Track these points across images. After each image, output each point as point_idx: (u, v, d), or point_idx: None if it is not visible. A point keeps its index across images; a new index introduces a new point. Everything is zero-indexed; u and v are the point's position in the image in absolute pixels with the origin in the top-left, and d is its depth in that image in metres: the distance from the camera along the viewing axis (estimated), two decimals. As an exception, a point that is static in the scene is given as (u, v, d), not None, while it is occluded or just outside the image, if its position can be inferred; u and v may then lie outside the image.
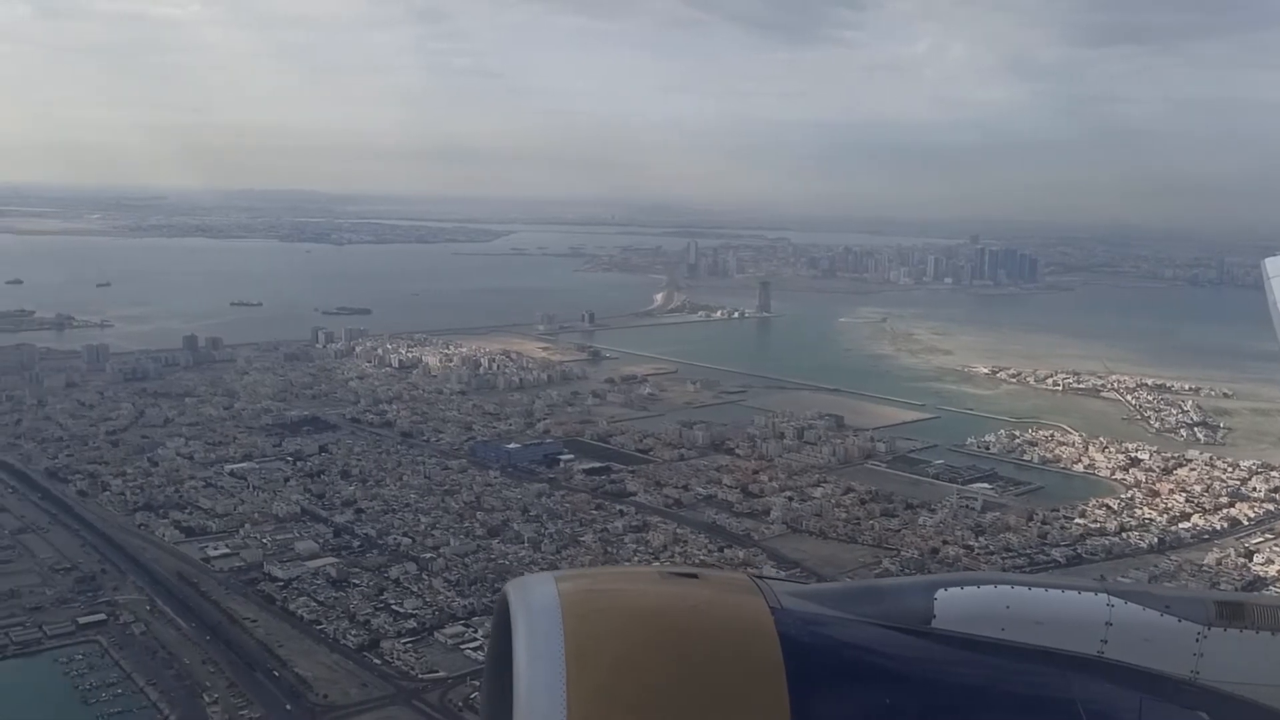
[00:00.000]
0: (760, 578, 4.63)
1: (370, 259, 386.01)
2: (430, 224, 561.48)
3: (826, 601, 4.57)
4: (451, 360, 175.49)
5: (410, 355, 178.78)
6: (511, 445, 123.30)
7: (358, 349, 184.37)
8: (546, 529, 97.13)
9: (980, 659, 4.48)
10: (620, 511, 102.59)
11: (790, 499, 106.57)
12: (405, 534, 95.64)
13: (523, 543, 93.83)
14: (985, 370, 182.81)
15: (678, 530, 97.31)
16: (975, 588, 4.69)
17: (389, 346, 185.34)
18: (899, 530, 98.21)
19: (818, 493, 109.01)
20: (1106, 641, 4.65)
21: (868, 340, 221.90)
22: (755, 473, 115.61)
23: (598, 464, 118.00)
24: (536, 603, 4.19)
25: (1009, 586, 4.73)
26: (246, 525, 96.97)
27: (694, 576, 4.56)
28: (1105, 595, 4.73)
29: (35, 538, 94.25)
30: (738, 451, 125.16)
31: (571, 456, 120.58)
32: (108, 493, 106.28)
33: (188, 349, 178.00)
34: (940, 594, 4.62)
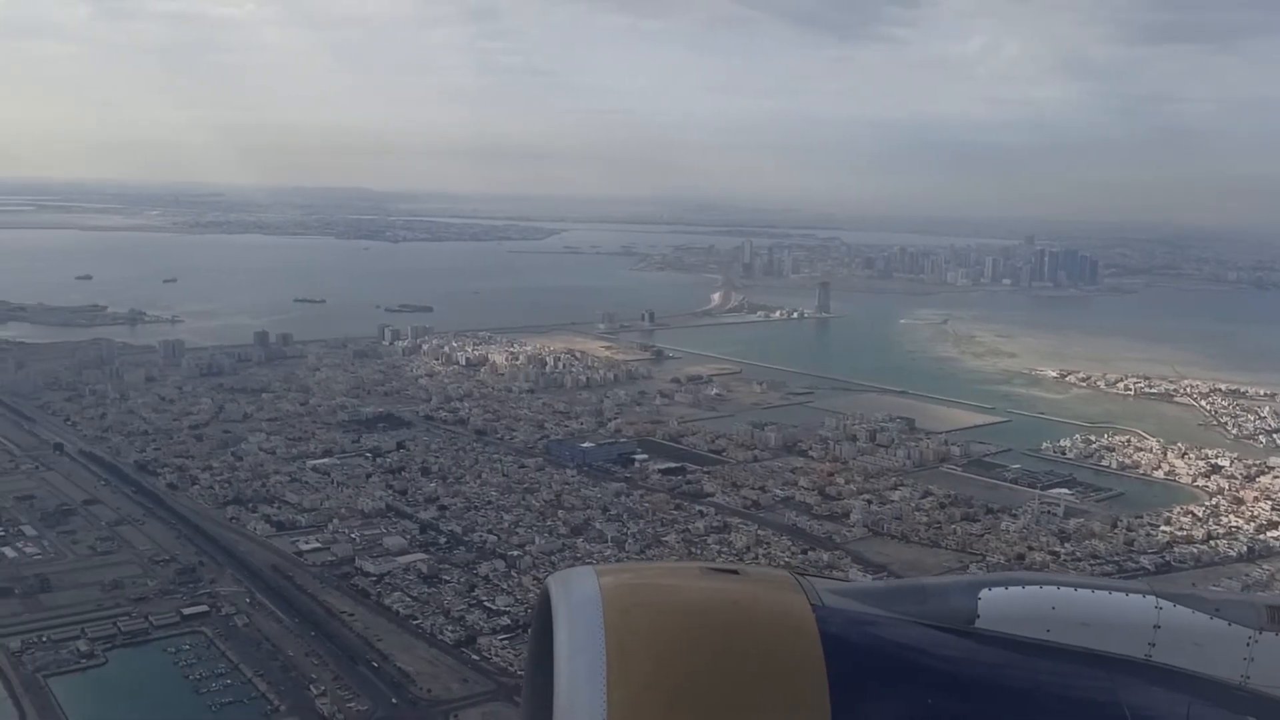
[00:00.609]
0: (802, 574, 4.61)
1: (426, 256, 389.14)
2: (482, 222, 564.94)
3: (869, 600, 4.54)
4: (518, 359, 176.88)
5: (476, 353, 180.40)
6: (586, 444, 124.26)
7: (424, 347, 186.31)
8: (628, 528, 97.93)
9: (1024, 660, 4.41)
10: (700, 512, 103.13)
11: (869, 502, 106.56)
12: (490, 531, 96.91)
13: (606, 541, 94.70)
14: (1053, 374, 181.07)
15: (759, 532, 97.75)
16: (1020, 588, 4.61)
17: (454, 344, 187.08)
18: (982, 535, 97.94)
19: (896, 496, 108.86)
20: (1154, 645, 4.56)
21: (930, 342, 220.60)
22: (830, 475, 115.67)
23: (672, 464, 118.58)
24: (578, 596, 4.21)
25: (1054, 587, 4.63)
26: (335, 520, 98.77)
27: (735, 573, 4.54)
28: (1153, 598, 4.65)
29: (132, 529, 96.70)
30: (811, 453, 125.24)
31: (645, 456, 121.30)
32: (196, 486, 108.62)
33: (259, 345, 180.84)
34: (984, 594, 4.54)
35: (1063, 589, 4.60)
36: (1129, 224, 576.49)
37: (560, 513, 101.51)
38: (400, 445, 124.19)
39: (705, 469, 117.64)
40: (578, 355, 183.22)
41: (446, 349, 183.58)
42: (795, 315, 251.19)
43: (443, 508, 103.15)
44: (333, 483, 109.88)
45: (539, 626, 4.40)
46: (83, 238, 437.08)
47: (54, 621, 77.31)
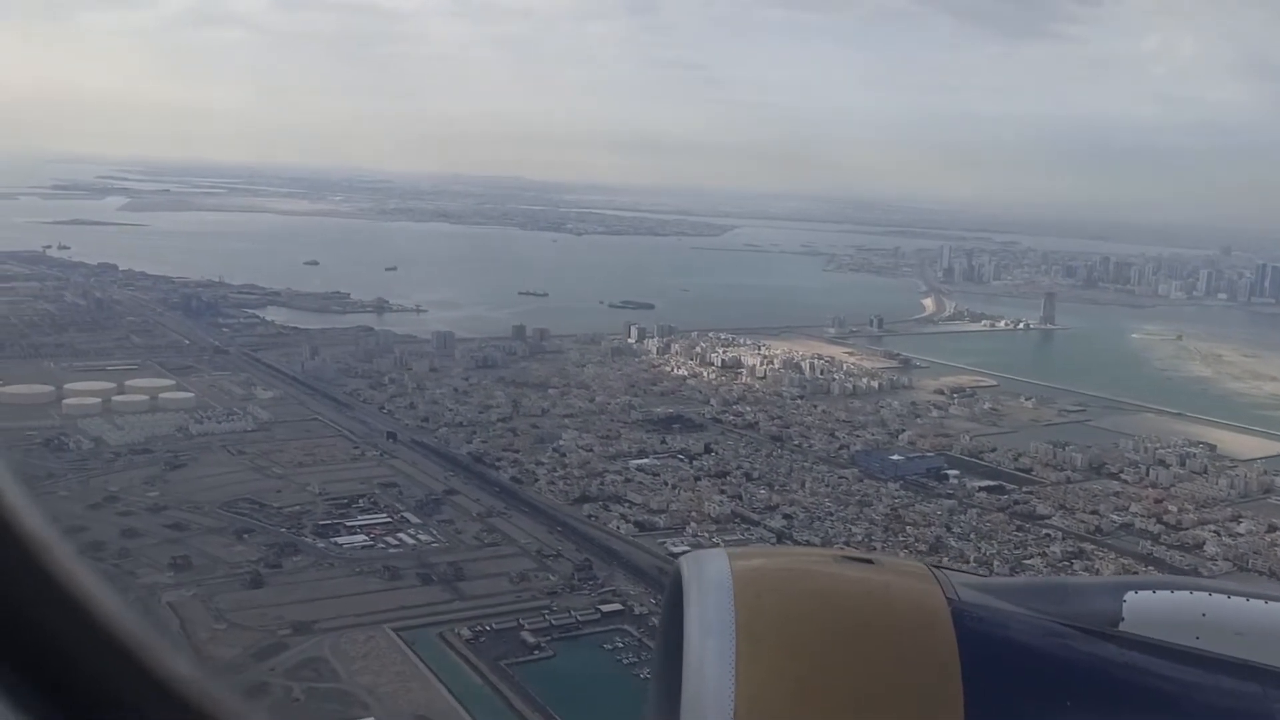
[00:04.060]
0: (938, 567, 4.49)
1: (613, 250, 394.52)
2: (650, 215, 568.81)
3: (1006, 596, 4.35)
4: (772, 363, 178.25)
5: (729, 355, 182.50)
6: (895, 456, 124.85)
7: (673, 346, 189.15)
8: (982, 549, 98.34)
9: (1171, 667, 4.16)
10: (1048, 536, 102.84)
11: (1216, 533, 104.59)
12: (846, 543, 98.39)
13: (969, 561, 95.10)
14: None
15: (1121, 560, 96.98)
16: (1169, 592, 4.37)
17: (703, 345, 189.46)
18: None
19: (1241, 528, 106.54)
20: None
21: (1175, 360, 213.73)
22: (1158, 501, 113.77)
23: (989, 482, 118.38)
24: (710, 577, 4.13)
25: (1206, 593, 4.35)
26: (691, 524, 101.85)
27: (869, 561, 4.43)
28: None
29: (502, 521, 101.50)
30: (1123, 477, 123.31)
31: (956, 472, 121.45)
32: (539, 482, 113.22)
33: (517, 338, 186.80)
34: (1130, 596, 4.33)
35: (1215, 595, 4.34)
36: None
37: (907, 528, 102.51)
38: (708, 448, 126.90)
39: (1024, 489, 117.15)
40: (828, 361, 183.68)
41: (698, 349, 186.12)
42: (1021, 326, 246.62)
43: (787, 516, 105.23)
44: (666, 484, 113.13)
45: (670, 606, 4.41)
46: (278, 221, 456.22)
47: (484, 611, 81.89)
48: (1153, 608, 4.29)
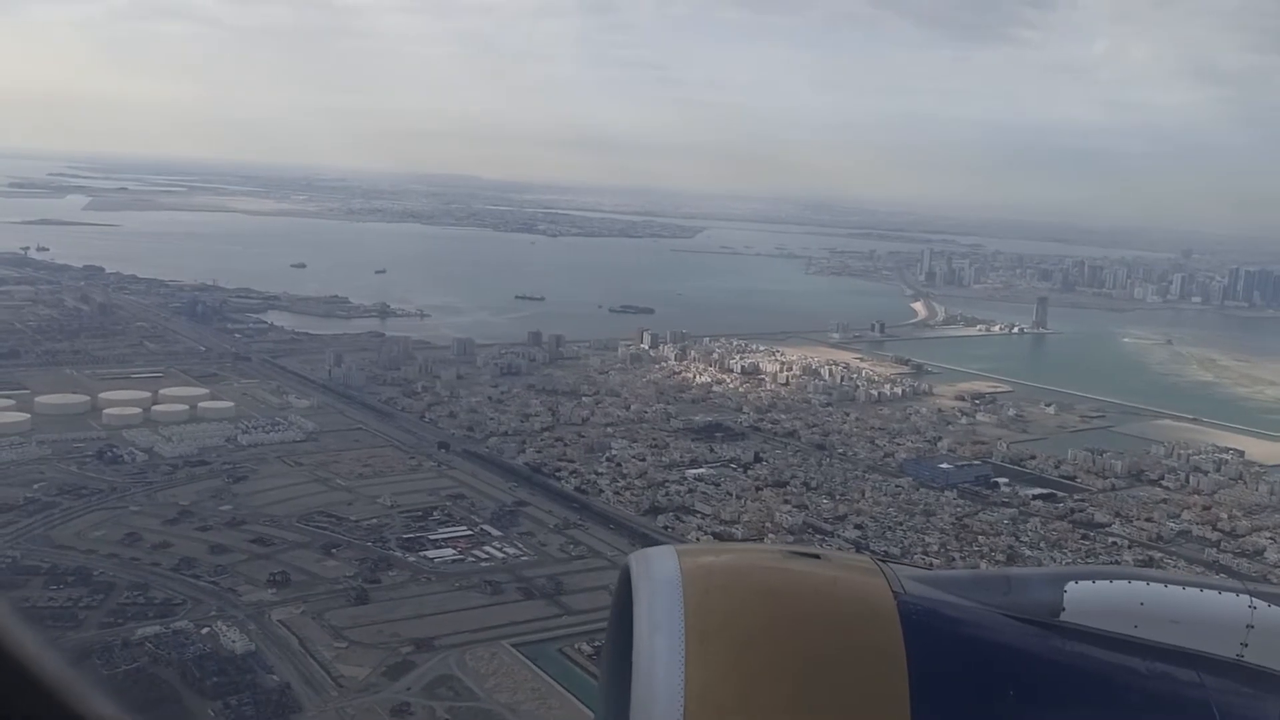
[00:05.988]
0: (884, 561, 4.66)
1: (592, 252, 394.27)
2: (619, 216, 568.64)
3: (950, 589, 4.52)
4: (791, 369, 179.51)
5: (747, 362, 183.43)
6: (944, 465, 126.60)
7: (690, 352, 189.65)
8: (1056, 558, 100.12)
9: (1110, 655, 4.37)
10: (1115, 544, 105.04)
11: (1273, 539, 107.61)
12: (924, 553, 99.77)
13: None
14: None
15: (1193, 568, 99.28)
16: (1108, 582, 4.55)
17: (719, 352, 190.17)
18: None
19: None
20: (1247, 644, 4.45)
21: (1172, 364, 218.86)
22: (1207, 508, 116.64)
23: (1040, 490, 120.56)
24: (658, 575, 4.24)
25: (1144, 583, 4.56)
26: (768, 535, 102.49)
27: (816, 556, 4.57)
28: (1248, 596, 4.53)
29: (581, 533, 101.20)
30: (1165, 483, 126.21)
31: (1005, 479, 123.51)
32: (604, 492, 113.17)
33: (535, 344, 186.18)
34: (1070, 586, 4.50)
35: (1152, 585, 4.55)
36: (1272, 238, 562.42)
37: (978, 538, 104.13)
38: (758, 457, 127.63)
39: (1075, 496, 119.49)
40: (845, 367, 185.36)
41: (715, 356, 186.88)
42: (1015, 330, 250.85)
43: (858, 527, 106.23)
44: (730, 495, 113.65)
45: (618, 604, 4.48)
46: (248, 221, 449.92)
47: (595, 625, 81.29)
48: (1092, 598, 4.49)
